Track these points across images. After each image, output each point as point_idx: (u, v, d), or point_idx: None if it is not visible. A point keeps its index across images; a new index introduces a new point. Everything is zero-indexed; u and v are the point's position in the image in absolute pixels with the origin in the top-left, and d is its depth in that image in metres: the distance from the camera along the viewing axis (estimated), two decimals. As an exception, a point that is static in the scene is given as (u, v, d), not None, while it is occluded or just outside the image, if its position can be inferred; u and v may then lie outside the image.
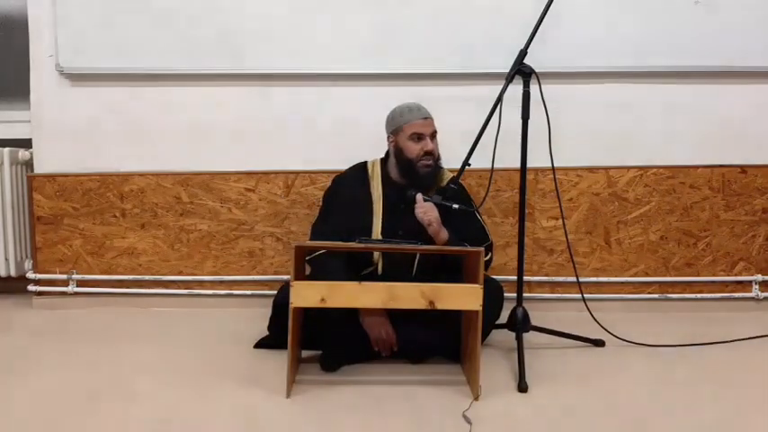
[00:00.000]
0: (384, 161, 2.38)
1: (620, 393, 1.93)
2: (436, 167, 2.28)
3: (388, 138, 2.33)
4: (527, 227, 2.78)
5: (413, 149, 2.24)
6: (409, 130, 2.25)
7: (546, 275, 2.87)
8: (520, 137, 2.14)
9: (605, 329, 2.32)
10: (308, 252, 2.19)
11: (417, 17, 2.76)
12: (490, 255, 2.32)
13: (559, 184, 2.71)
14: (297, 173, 2.87)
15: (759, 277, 2.85)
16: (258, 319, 2.38)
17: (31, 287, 2.91)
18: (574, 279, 2.53)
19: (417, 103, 2.32)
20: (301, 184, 2.87)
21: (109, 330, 2.57)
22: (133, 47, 2.79)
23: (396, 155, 2.29)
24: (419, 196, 2.16)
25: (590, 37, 2.75)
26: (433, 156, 2.25)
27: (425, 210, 2.13)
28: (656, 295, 2.87)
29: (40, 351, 2.31)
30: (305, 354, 2.20)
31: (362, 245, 2.00)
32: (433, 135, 2.27)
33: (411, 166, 2.25)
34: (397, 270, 2.19)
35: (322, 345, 2.18)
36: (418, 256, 2.22)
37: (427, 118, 2.27)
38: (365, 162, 2.41)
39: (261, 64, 2.80)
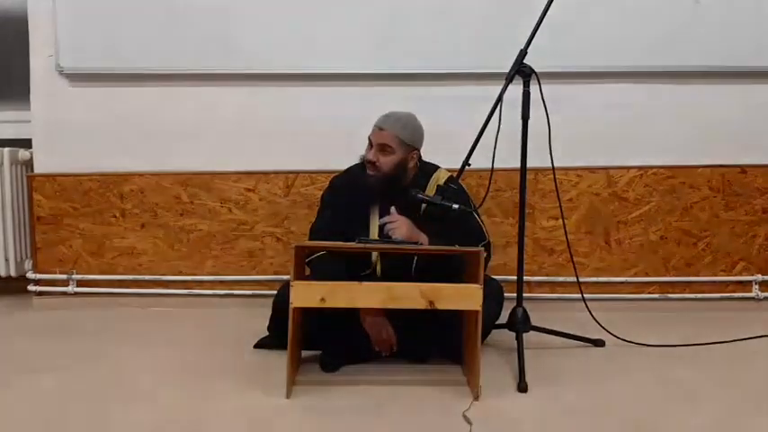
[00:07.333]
0: None
1: (620, 393, 1.92)
2: (386, 182, 2.18)
3: None
4: (527, 227, 2.77)
5: (365, 154, 2.22)
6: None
7: (546, 275, 2.87)
8: (520, 137, 2.14)
9: (605, 329, 2.32)
10: (307, 254, 2.19)
11: (418, 17, 2.77)
12: (488, 254, 2.31)
13: (559, 184, 2.70)
14: (297, 173, 2.87)
15: (759, 277, 2.85)
16: (258, 319, 2.37)
17: (31, 287, 2.92)
18: (574, 279, 2.52)
19: (398, 114, 2.22)
20: (301, 184, 2.87)
21: (109, 330, 2.57)
22: (133, 47, 2.80)
23: None
24: (392, 209, 2.10)
25: (590, 37, 2.76)
26: (376, 168, 2.17)
27: (392, 228, 2.07)
28: (656, 295, 2.87)
29: (40, 351, 2.31)
30: (305, 354, 2.20)
31: (362, 245, 1.99)
32: (382, 148, 2.17)
33: (364, 168, 2.22)
34: (396, 272, 2.18)
35: (322, 345, 2.18)
36: (416, 257, 2.21)
37: (382, 129, 2.19)
38: (362, 163, 2.38)
39: (261, 64, 2.81)
